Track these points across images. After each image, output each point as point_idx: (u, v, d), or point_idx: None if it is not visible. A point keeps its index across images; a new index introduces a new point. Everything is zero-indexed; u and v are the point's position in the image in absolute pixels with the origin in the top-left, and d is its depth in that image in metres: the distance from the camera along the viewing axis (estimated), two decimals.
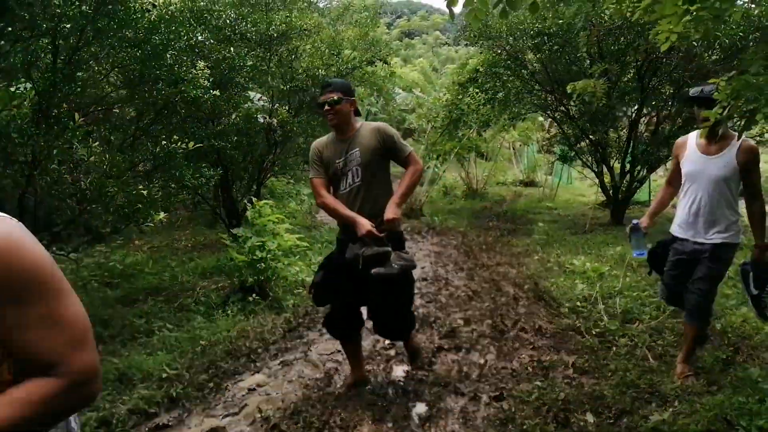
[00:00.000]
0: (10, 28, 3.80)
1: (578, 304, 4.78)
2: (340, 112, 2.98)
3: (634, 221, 3.38)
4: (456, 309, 4.90)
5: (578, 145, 10.38)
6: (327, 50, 10.73)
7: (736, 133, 2.97)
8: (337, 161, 3.03)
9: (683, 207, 3.20)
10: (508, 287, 5.55)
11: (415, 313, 4.73)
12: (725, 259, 3.11)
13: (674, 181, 3.40)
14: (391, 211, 2.91)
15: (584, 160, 10.77)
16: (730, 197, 3.06)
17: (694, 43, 6.91)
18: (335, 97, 2.95)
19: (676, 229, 3.27)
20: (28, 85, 4.21)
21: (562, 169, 14.69)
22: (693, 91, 3.11)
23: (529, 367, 3.63)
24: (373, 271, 2.84)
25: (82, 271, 5.45)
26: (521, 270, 6.24)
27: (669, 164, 3.74)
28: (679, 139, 3.35)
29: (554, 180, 14.79)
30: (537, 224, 9.40)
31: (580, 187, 15.33)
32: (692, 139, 3.22)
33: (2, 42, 3.96)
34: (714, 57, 7.52)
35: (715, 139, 3.06)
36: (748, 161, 2.99)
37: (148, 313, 4.58)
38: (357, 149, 3.00)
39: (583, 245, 7.26)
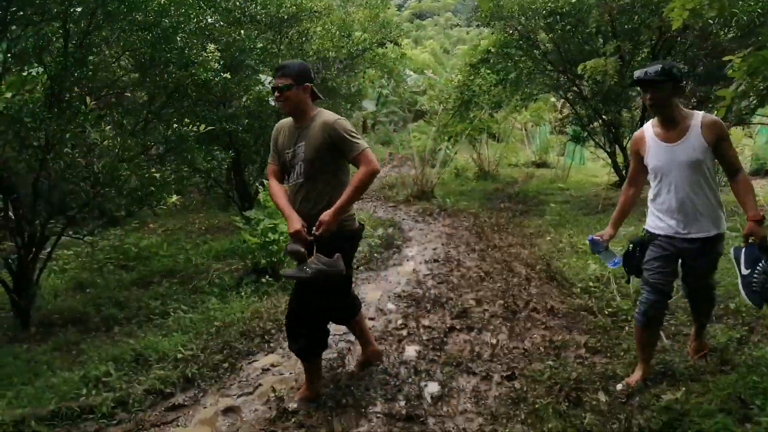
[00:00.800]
0: (21, 13, 3.82)
1: (590, 284, 4.77)
2: (290, 99, 2.75)
3: (590, 237, 3.08)
4: (468, 290, 4.91)
5: (591, 126, 10.28)
6: (337, 32, 10.66)
7: (694, 111, 2.81)
8: (287, 151, 2.86)
9: (661, 203, 2.91)
10: (520, 268, 5.55)
11: (426, 294, 4.77)
12: (718, 251, 2.91)
13: (637, 182, 3.11)
14: (325, 215, 2.68)
15: (597, 140, 10.67)
16: (709, 180, 2.81)
17: (709, 20, 6.77)
18: (283, 83, 2.72)
19: (657, 227, 2.94)
20: (40, 70, 4.23)
21: (574, 149, 14.52)
22: (637, 72, 2.81)
23: (541, 347, 3.64)
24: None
25: (98, 254, 5.53)
26: (533, 251, 6.23)
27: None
28: (636, 134, 3.06)
29: (567, 161, 14.65)
30: (549, 205, 9.34)
31: (593, 168, 15.16)
32: (649, 131, 2.94)
33: (14, 26, 3.98)
34: (730, 35, 7.36)
35: (673, 125, 2.80)
36: (716, 136, 2.73)
37: (163, 295, 4.65)
38: (303, 143, 2.79)
39: (595, 225, 7.20)
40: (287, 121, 2.93)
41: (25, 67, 4.28)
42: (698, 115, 2.78)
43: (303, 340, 2.88)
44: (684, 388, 2.89)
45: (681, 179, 2.80)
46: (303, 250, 2.68)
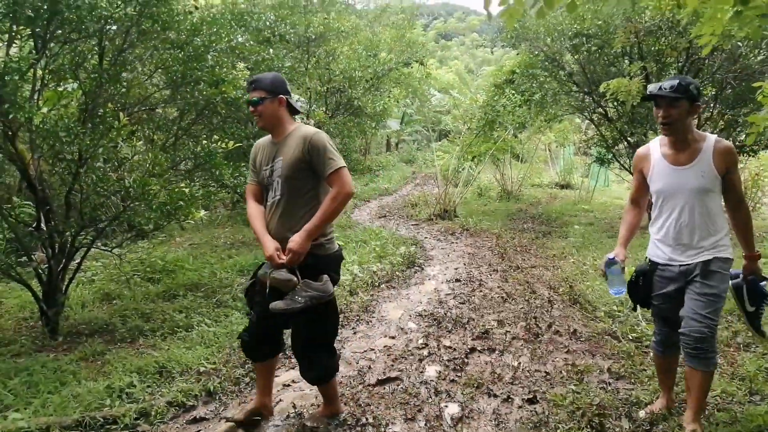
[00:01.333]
0: (59, 31, 3.97)
1: (614, 307, 4.70)
2: (263, 113, 2.63)
3: (609, 256, 2.79)
4: (490, 311, 4.88)
5: (616, 148, 10.20)
6: (364, 52, 10.86)
7: (706, 134, 2.63)
8: (264, 168, 2.71)
9: (660, 228, 2.72)
10: (543, 290, 5.50)
11: (447, 313, 4.75)
12: (721, 276, 2.57)
13: (640, 200, 2.91)
14: (293, 242, 2.50)
15: (622, 162, 10.57)
16: (715, 209, 2.60)
17: (738, 43, 6.71)
18: (256, 97, 2.62)
19: (655, 254, 2.77)
20: (75, 86, 4.38)
21: (599, 171, 14.41)
22: (651, 87, 2.62)
23: (563, 371, 3.59)
24: (270, 305, 2.52)
25: (126, 266, 5.63)
26: (556, 273, 6.16)
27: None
28: (639, 151, 2.85)
29: (591, 182, 14.53)
30: (573, 227, 9.26)
31: (618, 190, 15.02)
32: (655, 150, 2.73)
33: (52, 44, 4.14)
34: (760, 57, 7.27)
35: (683, 146, 2.61)
36: (728, 164, 2.55)
37: (187, 308, 4.71)
38: (281, 158, 2.63)
39: None
40: (267, 138, 2.81)
41: (61, 83, 4.44)
42: (711, 139, 2.59)
43: (318, 366, 2.77)
44: (711, 418, 2.82)
45: (686, 206, 2.61)
46: (293, 278, 2.52)
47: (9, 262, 4.49)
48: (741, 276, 2.72)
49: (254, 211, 2.75)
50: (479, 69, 39.30)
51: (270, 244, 2.56)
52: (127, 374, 3.38)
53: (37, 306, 4.26)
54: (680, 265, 2.64)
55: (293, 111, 2.76)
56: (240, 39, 6.17)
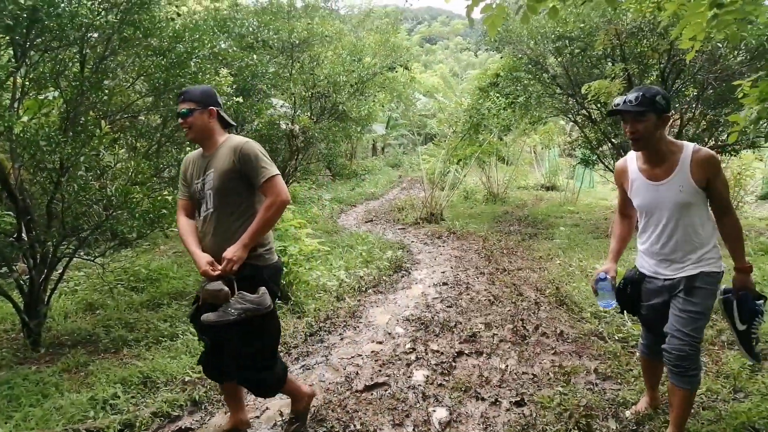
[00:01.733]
0: (40, 39, 3.91)
1: (600, 308, 4.72)
2: (193, 125, 2.57)
3: (601, 274, 2.71)
4: (477, 314, 4.88)
5: (600, 149, 10.29)
6: (348, 56, 10.84)
7: (683, 143, 2.46)
8: (196, 182, 2.63)
9: (645, 240, 2.64)
10: (530, 292, 5.52)
11: (435, 317, 4.75)
12: (705, 292, 2.45)
13: (628, 209, 2.80)
14: (229, 251, 2.43)
15: (606, 163, 10.66)
16: (699, 221, 2.47)
17: (718, 44, 6.80)
18: (185, 108, 2.56)
19: (641, 265, 2.70)
20: (56, 94, 4.32)
21: (584, 173, 14.54)
22: (616, 101, 2.48)
23: (550, 373, 3.60)
24: (202, 317, 2.44)
25: (109, 275, 5.56)
26: (543, 274, 6.19)
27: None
28: (618, 164, 2.74)
29: (576, 184, 14.65)
30: (558, 228, 9.31)
31: (603, 191, 15.16)
32: (632, 164, 2.62)
33: (32, 52, 4.08)
34: (740, 58, 7.38)
35: (658, 160, 2.48)
36: (708, 174, 2.39)
37: (172, 317, 4.66)
38: (213, 171, 2.55)
39: (605, 249, 7.16)
40: (197, 151, 2.73)
41: (42, 92, 4.38)
42: (688, 149, 2.43)
43: (267, 373, 2.67)
44: (696, 417, 2.84)
45: (668, 220, 2.49)
46: (224, 288, 2.40)
47: None
48: (731, 291, 2.55)
49: (185, 226, 2.66)
50: (464, 72, 39.52)
51: (202, 259, 2.48)
52: (111, 385, 3.33)
53: (19, 317, 4.18)
54: (665, 279, 2.55)
55: (225, 124, 2.69)
56: (223, 45, 6.15)
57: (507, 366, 3.74)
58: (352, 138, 14.72)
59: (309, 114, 10.60)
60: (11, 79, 3.90)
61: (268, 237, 2.64)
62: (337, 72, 10.21)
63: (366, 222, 10.97)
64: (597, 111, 9.33)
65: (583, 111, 9.68)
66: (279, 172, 2.55)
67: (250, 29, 8.57)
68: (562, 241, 8.11)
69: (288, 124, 9.67)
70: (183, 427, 3.02)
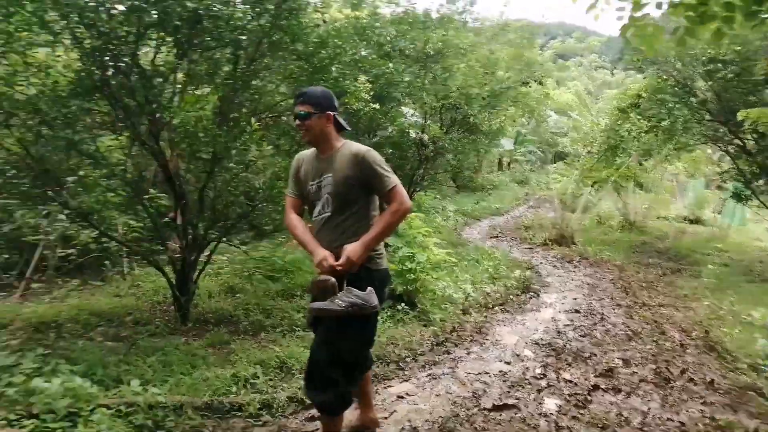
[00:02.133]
0: (197, 39, 4.23)
1: (759, 360, 4.20)
2: (311, 128, 2.55)
3: None
4: (613, 347, 4.54)
5: (755, 183, 9.27)
6: (481, 69, 10.73)
7: None
8: (311, 183, 2.63)
9: None
10: (673, 332, 5.04)
11: (567, 345, 4.49)
12: None
13: None
14: (350, 249, 2.42)
15: (762, 200, 9.58)
16: None
17: None
18: (303, 111, 2.54)
19: None
20: (209, 90, 4.66)
21: (734, 208, 13.13)
22: None
23: (700, 424, 3.25)
24: (311, 304, 2.45)
25: (249, 262, 5.92)
26: (688, 314, 5.64)
27: None
28: None
29: (725, 220, 13.27)
30: (706, 266, 8.45)
31: (756, 230, 13.58)
32: None
33: (191, 51, 4.42)
34: None
35: None
36: None
37: (305, 308, 4.84)
38: (330, 175, 2.56)
39: (762, 295, 6.39)
40: (310, 151, 2.73)
41: (199, 87, 4.73)
42: None
43: (332, 390, 2.51)
44: None
45: None
46: (332, 279, 2.41)
47: (151, 248, 4.89)
48: None
49: (296, 221, 2.69)
50: (599, 91, 37.62)
51: (321, 252, 2.49)
52: (251, 365, 3.52)
53: (170, 292, 4.57)
54: None
55: (340, 128, 2.67)
56: (363, 53, 6.30)
57: (649, 409, 3.42)
58: (480, 151, 14.53)
59: (439, 124, 10.62)
60: (173, 75, 4.28)
61: (381, 243, 2.66)
62: (469, 84, 10.14)
63: (491, 237, 10.76)
64: (753, 141, 8.44)
65: (737, 141, 8.81)
66: (399, 182, 2.56)
67: (388, 38, 8.74)
68: (710, 280, 7.34)
69: (418, 133, 9.75)
70: (315, 416, 3.08)
